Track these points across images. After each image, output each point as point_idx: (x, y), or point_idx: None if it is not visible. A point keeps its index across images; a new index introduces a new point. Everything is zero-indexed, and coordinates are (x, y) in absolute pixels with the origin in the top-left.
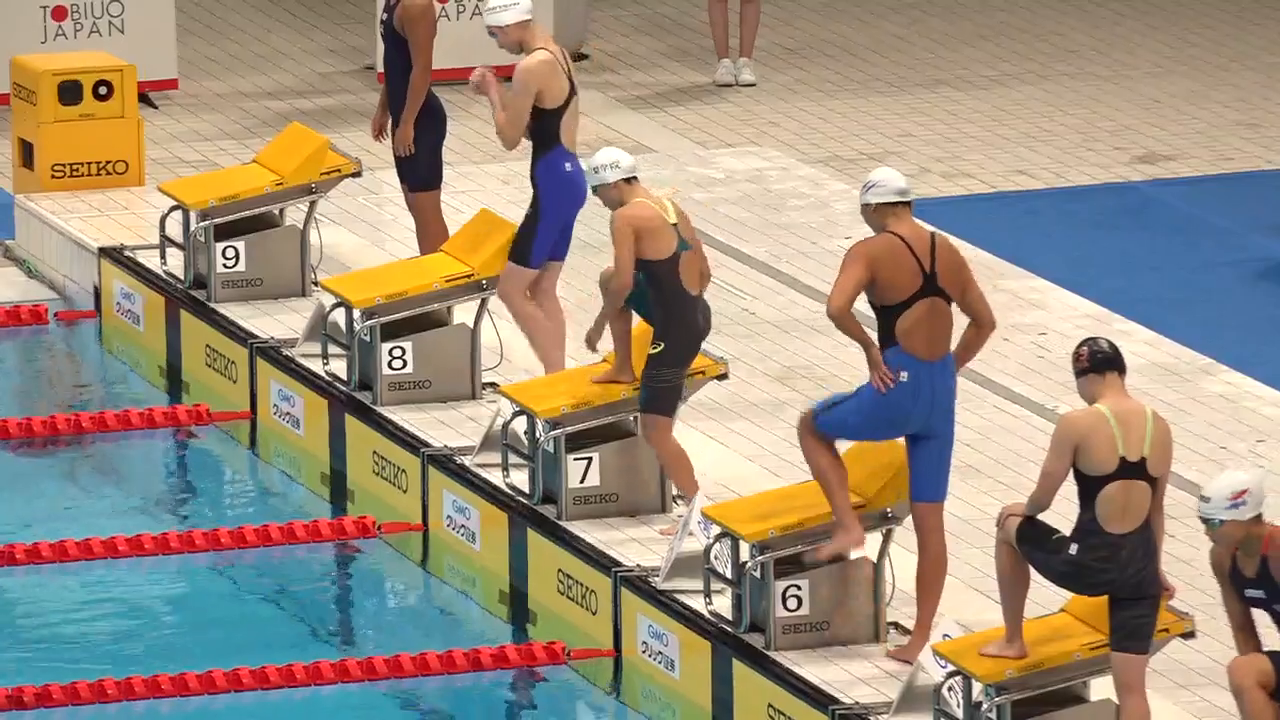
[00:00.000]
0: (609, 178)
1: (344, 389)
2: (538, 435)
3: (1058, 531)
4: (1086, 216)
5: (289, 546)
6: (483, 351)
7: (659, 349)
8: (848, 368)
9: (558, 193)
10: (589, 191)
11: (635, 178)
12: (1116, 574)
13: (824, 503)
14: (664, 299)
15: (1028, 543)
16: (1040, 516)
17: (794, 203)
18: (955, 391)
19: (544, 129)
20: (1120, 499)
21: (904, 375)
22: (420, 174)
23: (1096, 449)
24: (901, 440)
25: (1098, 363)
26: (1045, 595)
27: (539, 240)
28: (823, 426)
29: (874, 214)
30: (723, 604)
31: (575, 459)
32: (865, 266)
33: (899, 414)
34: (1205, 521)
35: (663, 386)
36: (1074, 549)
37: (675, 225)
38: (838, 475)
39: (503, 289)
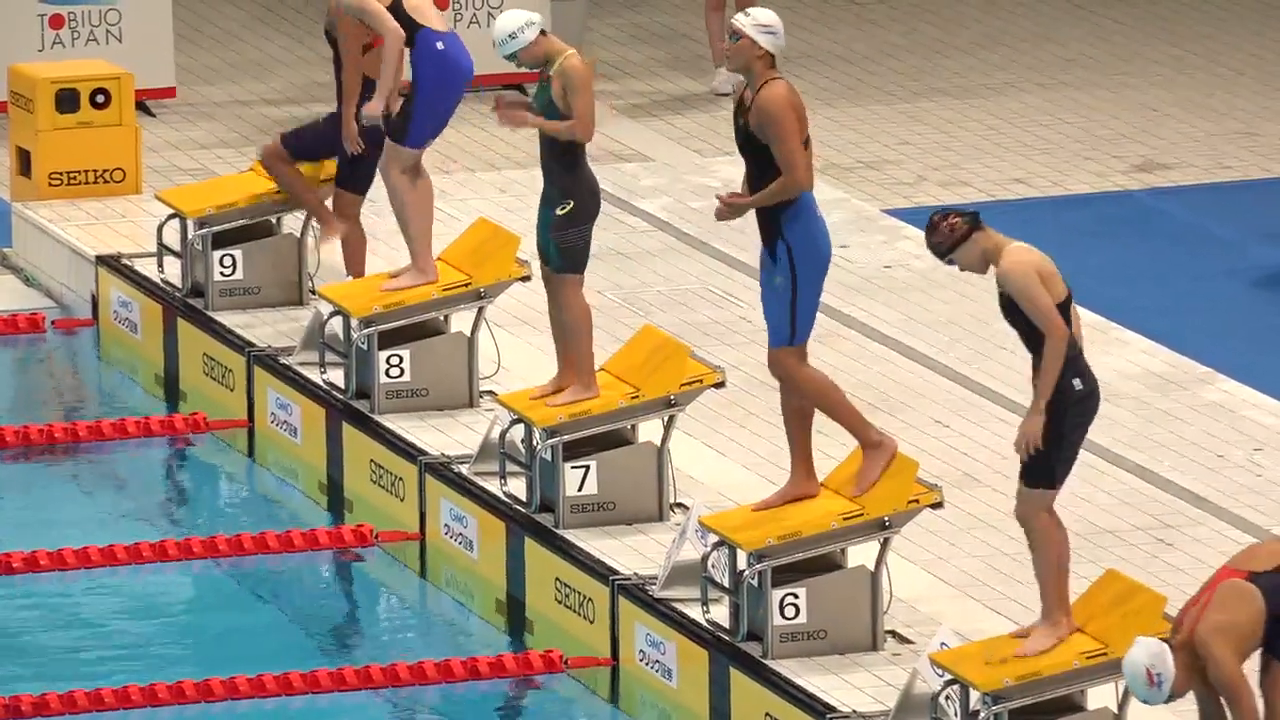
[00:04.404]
0: (530, 36)
1: (341, 397)
2: (535, 444)
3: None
4: (1084, 225)
5: (286, 555)
6: (480, 360)
7: (568, 208)
8: (846, 375)
9: (431, 71)
10: (473, 67)
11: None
12: (1097, 385)
13: (821, 512)
14: (575, 157)
15: (1041, 459)
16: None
17: None
18: None
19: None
20: (1076, 321)
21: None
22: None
23: (1052, 274)
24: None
25: (974, 218)
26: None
27: (415, 121)
28: (800, 340)
29: (763, 59)
30: (720, 613)
31: (572, 467)
32: (797, 117)
33: (827, 263)
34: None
35: (579, 244)
36: (1078, 383)
37: None
38: (838, 391)
39: (381, 164)
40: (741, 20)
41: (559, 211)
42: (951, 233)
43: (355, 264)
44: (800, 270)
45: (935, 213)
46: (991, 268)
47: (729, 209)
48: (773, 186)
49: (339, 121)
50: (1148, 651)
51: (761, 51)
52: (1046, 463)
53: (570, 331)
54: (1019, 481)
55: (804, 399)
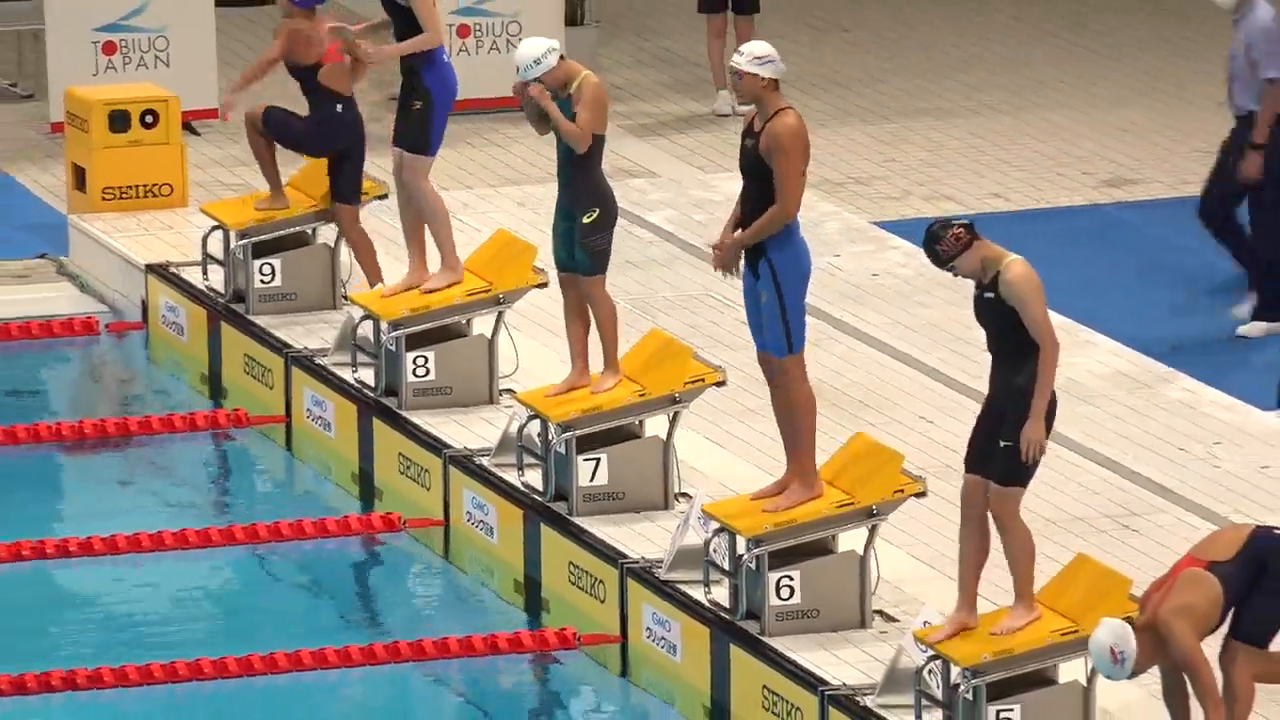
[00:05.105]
0: (554, 61)
1: (372, 395)
2: (550, 437)
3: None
4: (1056, 236)
5: (321, 540)
6: (500, 360)
7: (594, 215)
8: (838, 375)
9: (442, 81)
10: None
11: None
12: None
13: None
14: (596, 169)
15: (1015, 461)
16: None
17: None
18: None
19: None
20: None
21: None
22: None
23: (1042, 289)
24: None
25: (971, 228)
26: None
27: (435, 128)
28: (798, 348)
29: (767, 87)
30: (721, 593)
31: (585, 459)
32: (803, 149)
33: (808, 277)
34: (1127, 678)
35: (605, 247)
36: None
37: None
38: (815, 419)
39: (411, 181)
40: (739, 60)
41: (585, 220)
42: (957, 242)
43: (370, 271)
44: (785, 285)
45: (934, 223)
46: (985, 272)
47: (725, 252)
48: (762, 220)
49: (316, 122)
50: (1112, 631)
51: (765, 81)
52: (1019, 464)
53: (600, 325)
54: (992, 483)
55: (789, 405)
